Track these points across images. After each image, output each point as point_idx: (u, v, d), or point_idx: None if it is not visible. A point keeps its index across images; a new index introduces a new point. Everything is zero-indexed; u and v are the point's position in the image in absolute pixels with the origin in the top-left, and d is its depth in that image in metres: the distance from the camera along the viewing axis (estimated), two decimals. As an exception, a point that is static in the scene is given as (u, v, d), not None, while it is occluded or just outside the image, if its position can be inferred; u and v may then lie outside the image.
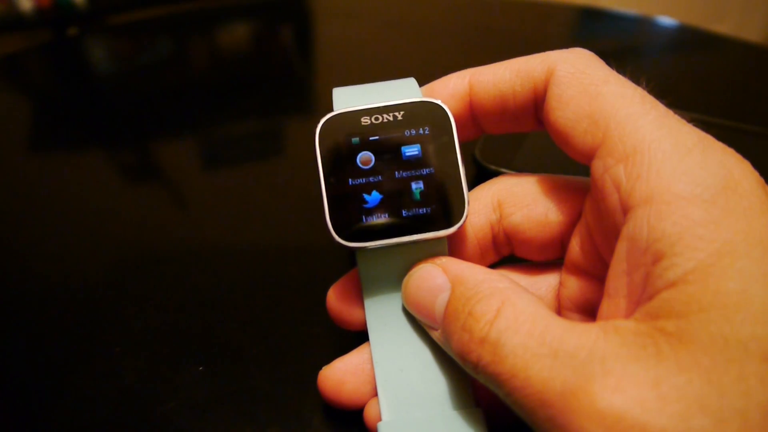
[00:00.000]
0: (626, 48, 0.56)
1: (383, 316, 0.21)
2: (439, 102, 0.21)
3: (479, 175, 0.34)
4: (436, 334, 0.19)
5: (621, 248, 0.17)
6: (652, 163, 0.16)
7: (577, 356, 0.14)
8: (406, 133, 0.20)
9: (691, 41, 0.57)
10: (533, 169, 0.32)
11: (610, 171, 0.17)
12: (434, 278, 0.19)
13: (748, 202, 0.15)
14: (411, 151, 0.20)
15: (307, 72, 0.54)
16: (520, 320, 0.16)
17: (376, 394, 0.20)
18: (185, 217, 0.35)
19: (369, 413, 0.20)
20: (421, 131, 0.20)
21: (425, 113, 0.21)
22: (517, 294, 0.17)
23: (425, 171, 0.20)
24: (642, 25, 0.60)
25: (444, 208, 0.20)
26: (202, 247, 0.32)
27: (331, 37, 0.59)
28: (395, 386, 0.20)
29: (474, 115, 0.22)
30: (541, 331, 0.15)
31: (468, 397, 0.20)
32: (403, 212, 0.20)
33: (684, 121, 0.17)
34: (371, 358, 0.21)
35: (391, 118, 0.21)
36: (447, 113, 0.21)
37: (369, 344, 0.21)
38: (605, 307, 0.17)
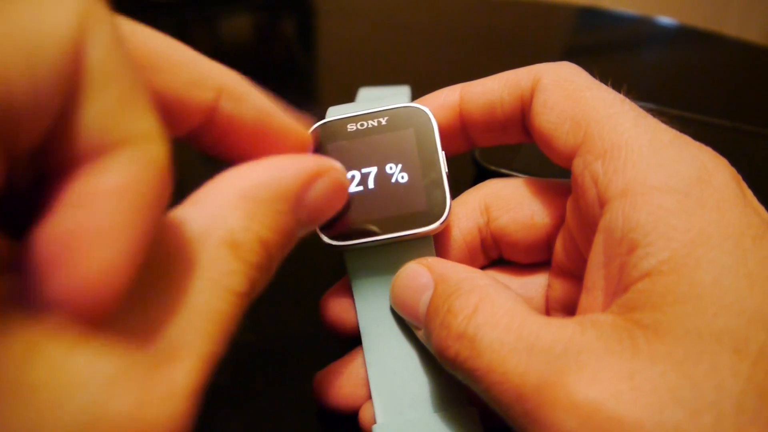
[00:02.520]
0: (626, 48, 0.56)
1: (375, 319, 0.21)
2: (421, 106, 0.21)
3: (479, 176, 0.34)
4: (420, 334, 0.19)
5: (598, 241, 0.17)
6: (629, 158, 0.16)
7: (553, 350, 0.15)
8: (390, 136, 0.21)
9: (692, 41, 0.57)
10: (533, 170, 0.32)
11: (589, 167, 0.17)
12: (419, 277, 0.19)
13: (722, 194, 0.15)
14: (394, 152, 0.21)
15: (309, 66, 0.54)
16: (497, 316, 0.16)
17: (370, 397, 0.20)
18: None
19: (363, 416, 0.20)
20: (404, 134, 0.21)
21: (408, 117, 0.21)
22: (496, 291, 0.17)
23: (408, 172, 0.21)
24: (642, 25, 0.60)
25: (427, 206, 0.20)
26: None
27: (333, 32, 0.59)
28: (389, 388, 0.20)
29: (464, 126, 0.22)
30: (518, 326, 0.15)
31: (462, 396, 0.20)
32: (387, 212, 0.20)
33: (660, 122, 0.18)
34: (365, 362, 0.21)
35: (375, 124, 0.22)
36: (429, 116, 0.21)
37: (362, 347, 0.21)
38: (584, 300, 0.17)
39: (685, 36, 0.58)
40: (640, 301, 0.15)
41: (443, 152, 0.21)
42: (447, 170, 0.21)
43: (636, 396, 0.13)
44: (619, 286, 0.16)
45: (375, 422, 0.20)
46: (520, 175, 0.32)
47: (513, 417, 0.15)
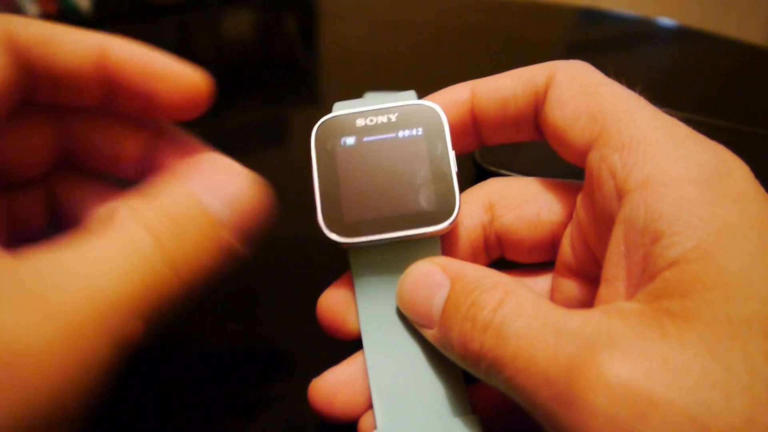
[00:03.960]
0: (626, 48, 0.56)
1: (377, 321, 0.20)
2: (431, 104, 0.21)
3: (479, 177, 0.34)
4: (430, 333, 0.19)
5: (618, 232, 0.17)
6: (648, 150, 0.16)
7: (582, 333, 0.14)
8: (400, 134, 0.21)
9: (692, 41, 0.57)
10: (532, 171, 0.32)
11: (606, 159, 0.17)
12: (432, 275, 0.19)
13: (742, 187, 0.15)
14: (403, 150, 0.21)
15: (310, 66, 0.54)
16: (523, 307, 0.16)
17: (370, 406, 0.20)
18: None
19: (363, 425, 0.20)
20: (414, 132, 0.21)
21: (418, 115, 0.21)
22: (519, 286, 0.17)
23: (417, 170, 0.20)
24: (642, 25, 0.60)
25: (435, 205, 0.20)
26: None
27: (335, 32, 0.59)
28: (390, 393, 0.20)
29: (475, 123, 0.22)
30: (545, 314, 0.15)
31: (464, 404, 0.19)
32: (395, 210, 0.20)
33: (674, 119, 0.18)
34: (364, 368, 0.20)
35: (385, 120, 0.21)
36: (439, 114, 0.21)
37: (362, 352, 0.21)
38: (603, 292, 0.17)
39: (685, 36, 0.58)
40: (668, 290, 0.15)
41: (453, 151, 0.21)
42: (457, 169, 0.20)
43: (669, 376, 0.13)
44: (643, 276, 0.16)
45: (375, 428, 0.19)
46: (519, 176, 0.32)
47: (540, 402, 0.15)
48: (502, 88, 0.21)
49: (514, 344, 0.15)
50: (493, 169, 0.33)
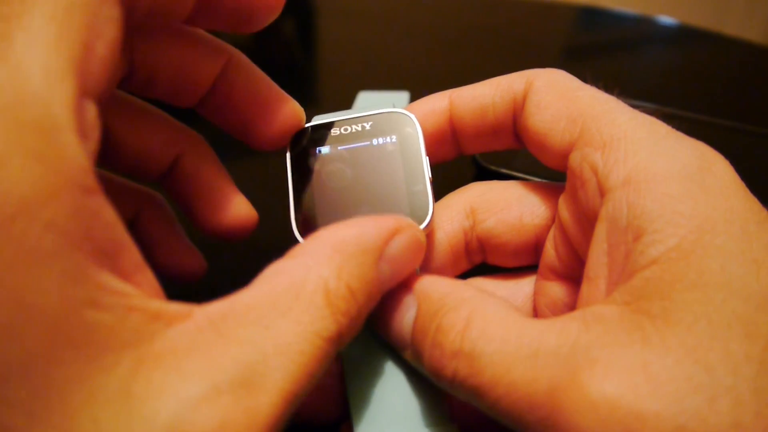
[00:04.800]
0: (626, 48, 0.56)
1: None
2: (405, 112, 0.21)
3: (479, 177, 0.34)
4: (407, 354, 0.19)
5: (600, 230, 0.17)
6: (629, 148, 0.16)
7: (560, 352, 0.14)
8: (374, 141, 0.21)
9: (692, 41, 0.57)
10: (533, 170, 0.32)
11: (587, 158, 0.17)
12: (400, 295, 0.19)
13: (723, 182, 0.15)
14: (378, 157, 0.21)
15: (309, 67, 0.54)
16: (492, 327, 0.16)
17: (343, 414, 0.20)
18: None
19: None
20: (388, 139, 0.21)
21: (393, 123, 0.22)
22: (484, 301, 0.17)
23: (391, 176, 0.21)
24: (642, 24, 0.60)
25: (409, 211, 0.20)
26: (202, 240, 0.32)
27: (333, 33, 0.59)
28: (368, 403, 0.19)
29: (453, 131, 0.22)
30: (517, 334, 0.15)
31: (443, 413, 0.19)
32: (368, 215, 0.20)
33: (654, 118, 0.18)
34: (338, 374, 0.20)
35: (359, 128, 0.22)
36: (414, 122, 0.21)
37: (337, 360, 0.20)
38: (585, 290, 0.17)
39: (685, 36, 0.58)
40: (648, 290, 0.14)
41: (427, 158, 0.21)
42: (431, 176, 0.20)
43: (653, 387, 0.13)
44: (623, 273, 0.15)
45: None
46: (520, 175, 0.32)
47: (526, 426, 0.14)
48: (480, 96, 0.21)
49: (490, 372, 0.15)
50: (493, 168, 0.33)
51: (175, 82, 0.20)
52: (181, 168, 0.21)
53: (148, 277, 0.14)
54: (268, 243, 0.32)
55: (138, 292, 0.13)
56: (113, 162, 0.21)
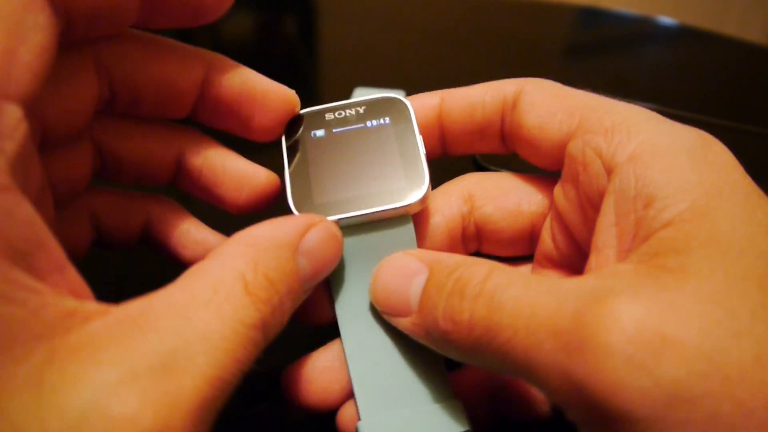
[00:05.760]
0: (626, 48, 0.56)
1: (354, 310, 0.20)
2: (398, 96, 0.22)
3: (479, 176, 0.34)
4: (406, 322, 0.18)
5: (608, 203, 0.17)
6: (632, 129, 0.17)
7: (582, 290, 0.14)
8: (368, 123, 0.22)
9: (692, 41, 0.57)
10: (532, 170, 0.32)
11: (590, 143, 0.18)
12: (408, 264, 0.19)
13: (723, 158, 0.16)
14: (372, 137, 0.21)
15: (310, 66, 0.54)
16: (512, 277, 0.16)
17: (346, 395, 0.20)
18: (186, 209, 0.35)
19: (344, 416, 0.20)
20: (381, 121, 0.22)
21: (385, 106, 0.22)
22: (501, 264, 0.17)
23: (386, 154, 0.21)
24: (642, 24, 0.60)
25: (405, 182, 0.20)
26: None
27: (334, 32, 0.59)
28: (371, 383, 0.19)
29: (440, 129, 0.22)
30: (537, 282, 0.15)
31: (447, 390, 0.19)
32: (365, 189, 0.20)
33: (651, 111, 0.19)
34: (341, 356, 0.20)
35: (353, 113, 0.22)
36: (406, 104, 0.22)
37: (337, 341, 0.20)
38: (593, 260, 0.17)
39: (685, 36, 0.58)
40: (663, 248, 0.15)
41: (421, 136, 0.21)
42: (425, 151, 0.21)
43: (679, 317, 0.13)
44: (635, 240, 0.16)
45: (359, 419, 0.19)
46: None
47: (544, 358, 0.14)
48: (471, 95, 0.21)
49: (511, 306, 0.15)
50: (493, 168, 0.33)
51: (160, 96, 0.20)
52: (187, 165, 0.22)
53: (69, 278, 0.14)
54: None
55: (51, 291, 0.13)
56: (118, 176, 0.22)
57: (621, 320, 0.13)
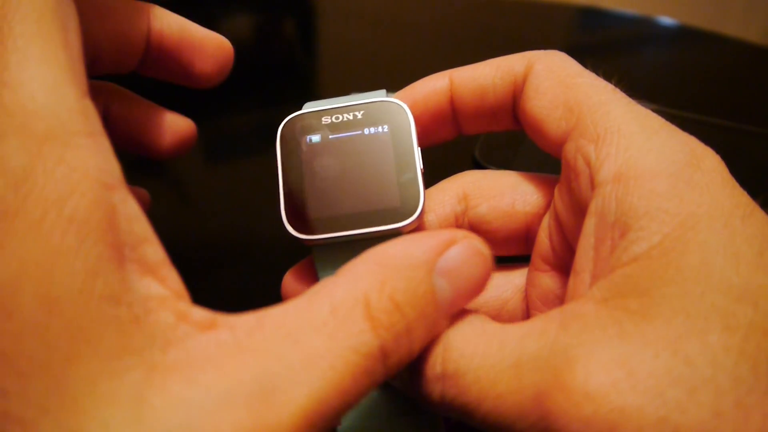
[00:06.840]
0: (626, 48, 0.56)
1: None
2: (398, 102, 0.21)
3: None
4: (396, 382, 0.19)
5: (589, 224, 0.17)
6: (621, 143, 0.17)
7: (541, 356, 0.14)
8: (366, 131, 0.21)
9: (692, 41, 0.57)
10: (532, 169, 0.32)
11: (582, 150, 0.18)
12: None
13: (711, 177, 0.16)
14: (369, 147, 0.21)
15: (309, 67, 0.54)
16: (471, 345, 0.16)
17: None
18: (186, 210, 0.35)
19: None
20: (380, 129, 0.21)
21: (384, 112, 0.21)
22: (457, 320, 0.17)
23: (382, 167, 0.20)
24: (642, 24, 0.60)
25: (399, 202, 0.20)
26: (203, 240, 0.32)
27: (333, 32, 0.59)
28: None
29: (453, 111, 0.22)
30: (498, 346, 0.15)
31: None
32: (359, 207, 0.20)
33: (649, 110, 0.18)
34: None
35: (351, 117, 0.21)
36: (406, 112, 0.21)
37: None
38: (572, 283, 0.17)
39: (686, 36, 0.58)
40: (627, 287, 0.15)
41: (419, 148, 0.21)
42: (422, 167, 0.20)
43: (633, 382, 0.13)
44: (607, 268, 0.16)
45: (339, 424, 0.19)
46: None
47: None
48: (481, 77, 0.21)
49: (476, 389, 0.15)
50: (493, 168, 0.33)
51: (117, 52, 0.21)
52: (113, 116, 0.23)
53: (173, 275, 0.14)
54: (268, 241, 0.32)
55: (156, 290, 0.13)
56: None
57: (576, 401, 0.13)
